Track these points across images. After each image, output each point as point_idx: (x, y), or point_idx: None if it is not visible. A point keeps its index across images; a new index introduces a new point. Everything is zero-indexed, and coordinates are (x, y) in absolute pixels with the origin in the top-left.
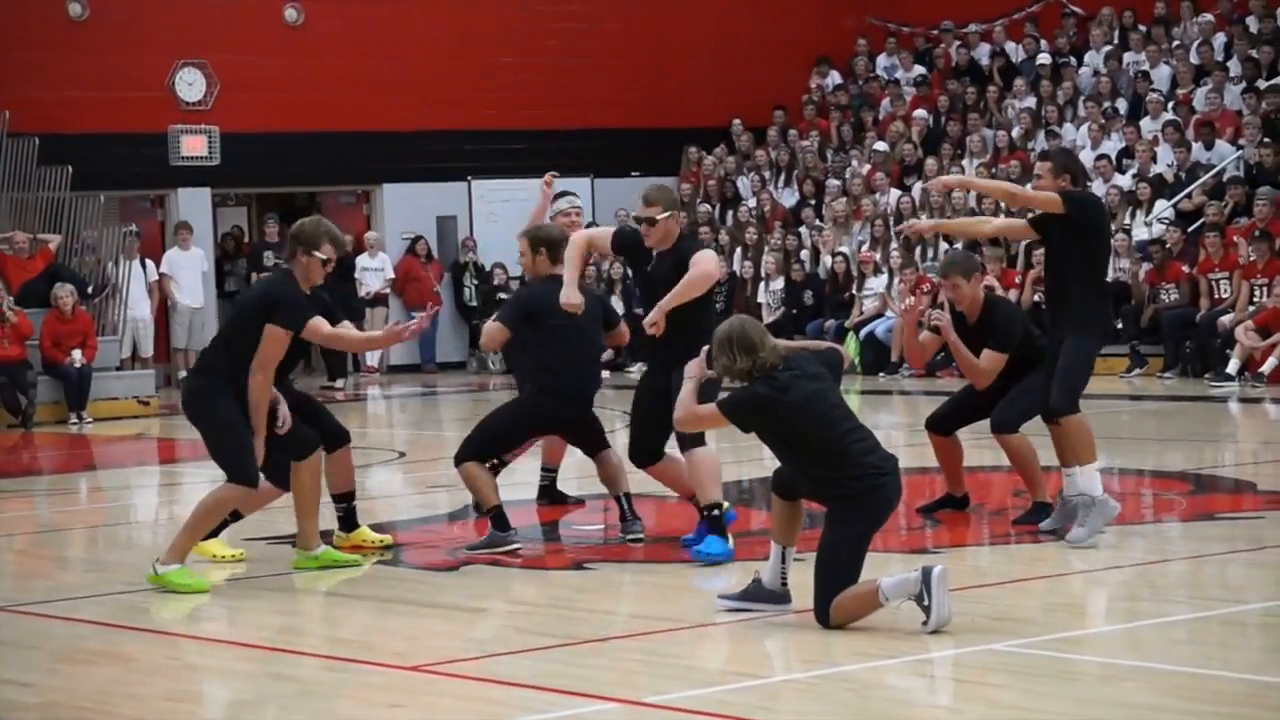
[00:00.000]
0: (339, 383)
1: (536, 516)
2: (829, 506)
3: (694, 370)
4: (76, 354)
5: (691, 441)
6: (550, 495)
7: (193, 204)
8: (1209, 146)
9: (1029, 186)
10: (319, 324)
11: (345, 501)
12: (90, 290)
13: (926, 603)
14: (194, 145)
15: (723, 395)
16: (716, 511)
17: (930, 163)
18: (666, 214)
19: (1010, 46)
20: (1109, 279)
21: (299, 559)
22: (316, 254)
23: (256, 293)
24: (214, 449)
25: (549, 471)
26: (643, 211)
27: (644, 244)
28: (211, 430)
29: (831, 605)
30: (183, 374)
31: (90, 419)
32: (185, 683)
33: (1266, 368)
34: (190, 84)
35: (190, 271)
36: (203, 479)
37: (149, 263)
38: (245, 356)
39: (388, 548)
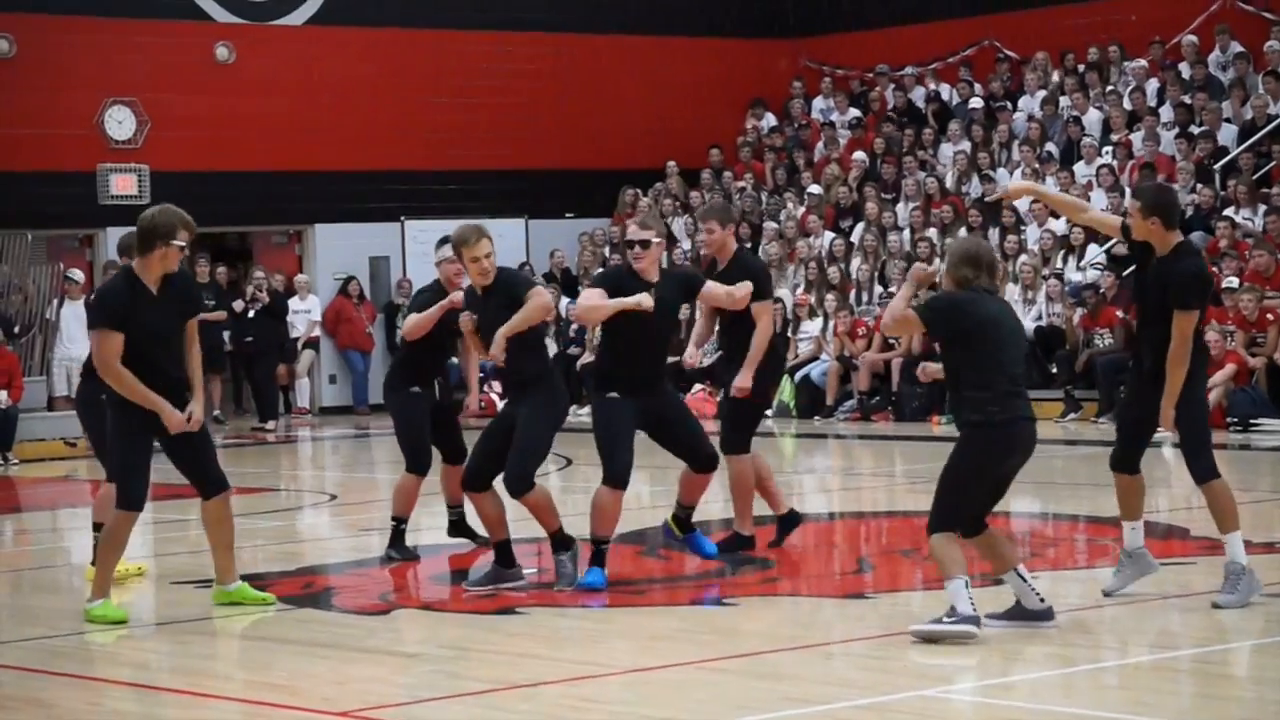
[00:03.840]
0: (270, 424)
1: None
2: (963, 433)
3: (918, 274)
4: (2, 394)
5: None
6: (460, 531)
7: None
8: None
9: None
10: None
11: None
12: (16, 330)
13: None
14: (123, 184)
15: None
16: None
17: (871, 206)
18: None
19: (945, 90)
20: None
21: (216, 593)
22: (175, 242)
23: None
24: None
25: (455, 509)
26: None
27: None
28: (109, 445)
29: (933, 540)
30: None
31: (16, 460)
32: None
33: None
34: (120, 122)
35: None
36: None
37: None
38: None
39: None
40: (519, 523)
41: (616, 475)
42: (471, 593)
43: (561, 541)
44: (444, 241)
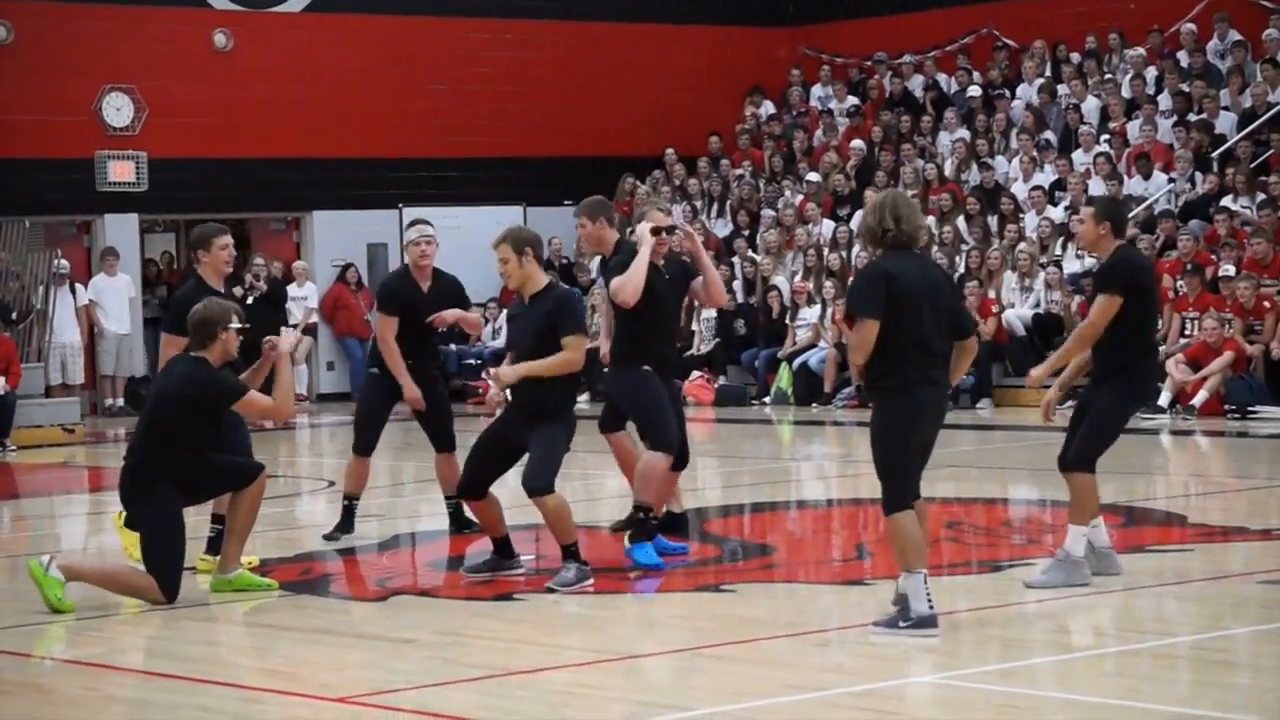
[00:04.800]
0: None
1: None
2: (874, 401)
3: None
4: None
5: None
6: (461, 522)
7: (120, 230)
8: (1146, 177)
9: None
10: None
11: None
12: (14, 316)
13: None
14: (121, 171)
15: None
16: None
17: (869, 194)
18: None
19: (943, 78)
20: (1155, 335)
21: (216, 581)
22: (233, 326)
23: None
24: (146, 553)
25: (452, 499)
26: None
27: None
28: (148, 533)
29: (891, 522)
30: (110, 401)
31: (14, 447)
32: (105, 715)
33: (1197, 400)
34: (118, 109)
35: (117, 298)
36: None
37: (78, 288)
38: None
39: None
40: (518, 509)
41: (667, 441)
42: (469, 579)
43: (574, 554)
44: (415, 224)
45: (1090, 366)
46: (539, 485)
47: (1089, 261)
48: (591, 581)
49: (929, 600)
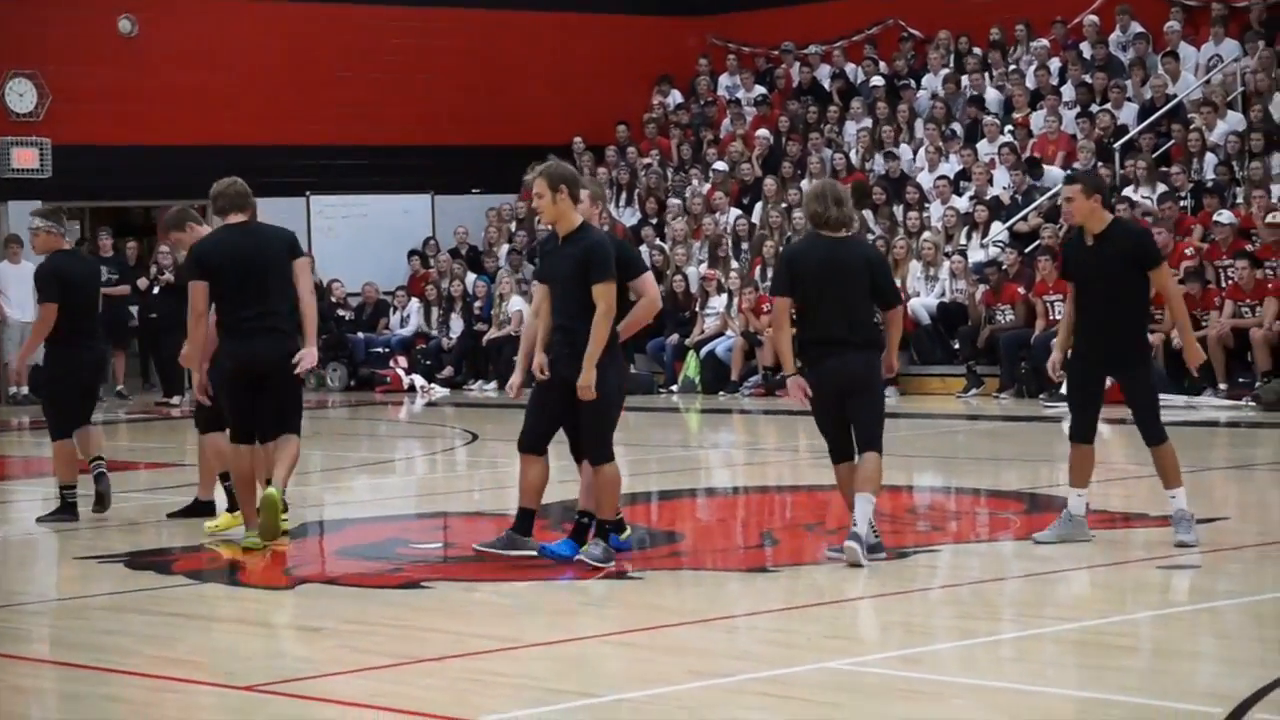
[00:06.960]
0: (174, 399)
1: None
2: None
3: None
4: None
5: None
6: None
7: (23, 217)
8: (1038, 175)
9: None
10: None
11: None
12: None
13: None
14: (24, 157)
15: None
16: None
17: (769, 182)
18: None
19: (850, 68)
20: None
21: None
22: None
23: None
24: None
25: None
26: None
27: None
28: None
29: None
30: (14, 389)
31: None
32: (10, 705)
33: None
34: (21, 95)
35: (21, 285)
36: (33, 496)
37: None
38: None
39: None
40: (433, 496)
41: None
42: (483, 550)
43: (606, 531)
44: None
45: (1103, 342)
46: (598, 458)
47: (993, 251)
48: (613, 563)
49: (872, 530)
